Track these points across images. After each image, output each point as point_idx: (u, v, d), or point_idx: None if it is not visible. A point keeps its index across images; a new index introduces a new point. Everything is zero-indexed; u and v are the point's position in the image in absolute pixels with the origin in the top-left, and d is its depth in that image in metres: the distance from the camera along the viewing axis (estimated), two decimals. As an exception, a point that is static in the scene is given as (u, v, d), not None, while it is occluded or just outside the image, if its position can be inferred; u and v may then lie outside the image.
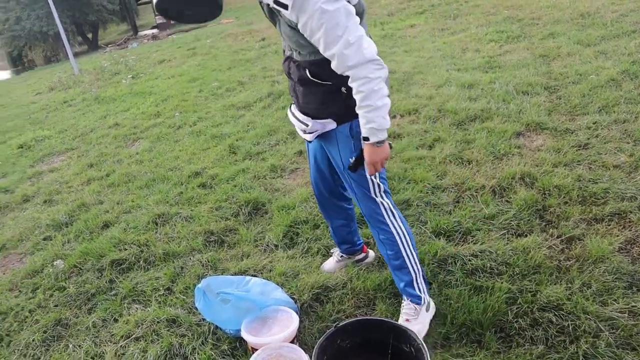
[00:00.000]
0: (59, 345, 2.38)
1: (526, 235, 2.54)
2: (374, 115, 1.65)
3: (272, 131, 4.81)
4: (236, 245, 2.93)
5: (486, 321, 1.99)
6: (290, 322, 1.95)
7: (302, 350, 1.80)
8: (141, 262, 2.88)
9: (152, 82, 8.84)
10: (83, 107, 8.06)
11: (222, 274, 2.63)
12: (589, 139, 3.45)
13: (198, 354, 2.05)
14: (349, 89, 1.70)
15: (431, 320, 2.08)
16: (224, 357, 2.01)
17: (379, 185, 1.95)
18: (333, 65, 1.64)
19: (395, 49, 7.51)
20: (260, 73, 7.70)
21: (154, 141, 5.34)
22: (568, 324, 1.93)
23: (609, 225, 2.53)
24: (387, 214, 1.99)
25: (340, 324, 1.76)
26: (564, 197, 2.81)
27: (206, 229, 3.10)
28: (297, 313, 2.10)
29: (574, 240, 2.45)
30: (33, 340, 2.42)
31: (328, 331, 1.74)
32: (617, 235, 2.43)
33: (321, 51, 1.63)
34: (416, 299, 2.05)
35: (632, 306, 1.99)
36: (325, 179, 2.20)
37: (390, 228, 1.99)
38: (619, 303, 2.00)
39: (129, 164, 4.74)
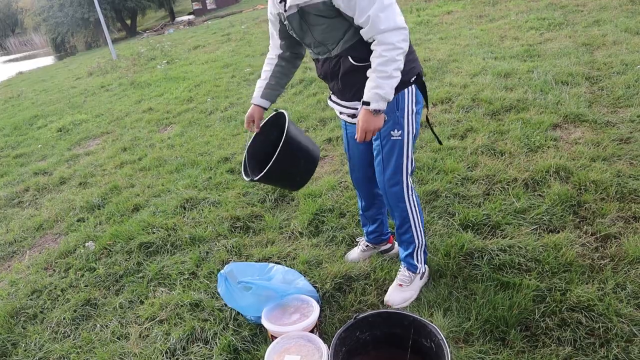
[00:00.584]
0: (88, 324, 2.45)
1: (558, 232, 2.45)
2: (385, 82, 1.69)
3: (302, 118, 4.79)
4: (261, 232, 2.94)
5: (511, 319, 1.92)
6: (311, 311, 1.94)
7: (321, 340, 1.79)
8: (168, 245, 2.93)
9: (186, 68, 8.96)
10: (119, 92, 8.25)
11: (246, 260, 2.64)
12: (631, 132, 3.28)
13: (219, 338, 2.07)
14: None
15: (424, 286, 2.23)
16: (244, 343, 2.02)
17: (411, 163, 2.01)
18: (364, 31, 1.70)
19: (431, 36, 7.35)
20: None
21: (186, 126, 5.42)
22: (599, 326, 1.85)
23: (649, 223, 2.41)
24: (408, 192, 2.05)
25: (360, 315, 1.73)
26: (601, 193, 2.68)
27: (232, 215, 3.12)
28: (318, 302, 2.09)
29: (609, 238, 2.35)
30: (64, 319, 2.50)
31: (348, 322, 1.72)
32: (658, 235, 2.31)
33: (355, 19, 1.69)
34: (413, 268, 2.19)
35: (670, 310, 1.89)
36: (364, 164, 2.21)
37: (406, 206, 2.07)
38: (655, 306, 1.90)
39: (161, 148, 4.82)
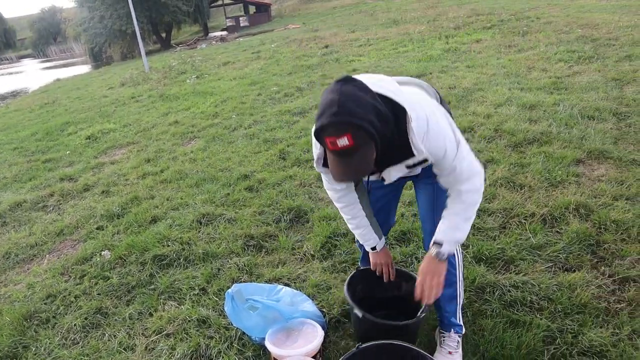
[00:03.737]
0: (97, 332, 2.48)
1: (574, 271, 2.39)
2: (467, 226, 1.62)
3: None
4: (274, 252, 2.95)
5: (519, 358, 1.88)
6: (315, 336, 1.93)
7: (322, 368, 1.77)
8: (181, 259, 2.96)
9: (215, 83, 9.13)
10: (148, 104, 8.46)
11: (256, 280, 2.65)
12: (658, 172, 3.21)
13: (223, 357, 2.07)
14: None
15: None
16: (246, 364, 2.02)
17: None
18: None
19: (458, 63, 7.36)
20: (319, 80, 7.76)
21: (209, 141, 5.50)
22: (610, 373, 1.79)
23: (671, 268, 2.33)
24: None
25: (363, 345, 1.71)
26: (622, 233, 2.62)
27: (247, 233, 3.14)
28: (324, 327, 2.08)
29: (628, 281, 2.28)
30: (74, 325, 2.54)
31: (350, 352, 1.70)
32: (679, 281, 2.23)
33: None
34: (459, 329, 1.97)
35: (687, 361, 1.82)
36: (389, 197, 2.06)
37: (455, 252, 1.89)
38: (672, 356, 1.83)
39: (183, 162, 4.91)
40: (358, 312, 1.84)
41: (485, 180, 1.63)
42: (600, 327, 2.01)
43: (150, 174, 4.74)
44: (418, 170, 1.72)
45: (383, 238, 1.97)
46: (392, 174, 1.61)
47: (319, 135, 1.38)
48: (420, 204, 1.94)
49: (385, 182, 1.64)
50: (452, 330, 1.95)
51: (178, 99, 8.35)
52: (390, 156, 1.53)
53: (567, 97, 4.89)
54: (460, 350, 1.95)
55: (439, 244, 1.62)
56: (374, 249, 1.96)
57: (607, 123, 4.12)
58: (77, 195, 4.57)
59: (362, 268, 2.13)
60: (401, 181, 1.92)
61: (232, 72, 10.42)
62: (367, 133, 1.32)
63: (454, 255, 1.86)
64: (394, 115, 1.42)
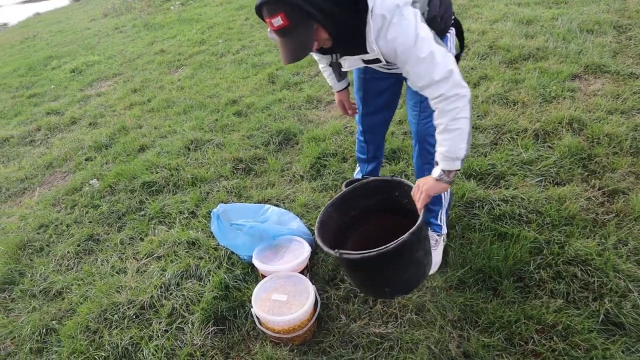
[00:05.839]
0: (90, 258, 2.50)
1: (564, 185, 2.37)
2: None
3: (313, 61, 4.66)
4: (263, 174, 2.92)
5: (505, 269, 1.89)
6: (302, 252, 1.93)
7: (309, 281, 1.79)
8: (170, 185, 2.94)
9: (201, 10, 8.72)
10: (132, 34, 8.12)
11: (245, 202, 2.64)
12: (655, 84, 3.12)
13: (212, 276, 2.09)
14: None
15: (446, 259, 2.06)
16: (236, 282, 2.04)
17: None
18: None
19: (454, -20, 6.98)
20: None
21: (197, 68, 5.33)
22: (594, 281, 1.81)
23: (661, 179, 2.31)
24: None
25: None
26: (614, 146, 2.57)
27: (235, 157, 3.10)
28: (312, 244, 2.09)
29: (617, 193, 2.26)
30: (68, 252, 2.56)
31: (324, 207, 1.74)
32: (668, 191, 2.22)
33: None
34: (438, 228, 2.06)
35: (671, 266, 1.84)
36: (382, 107, 2.02)
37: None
38: (655, 263, 1.85)
39: (170, 90, 4.77)
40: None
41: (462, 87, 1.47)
42: (587, 238, 2.01)
43: (137, 104, 4.62)
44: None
45: (345, 82, 2.03)
46: (349, 63, 1.60)
47: (259, 16, 1.37)
48: (406, 103, 1.90)
49: (342, 69, 1.67)
50: (430, 228, 2.05)
51: (163, 27, 8.00)
52: (349, 45, 1.49)
53: (566, 11, 4.67)
54: (439, 248, 2.04)
55: (436, 163, 1.55)
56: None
57: (606, 36, 3.96)
58: (65, 129, 4.49)
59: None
60: (400, 77, 1.86)
61: (219, -3, 9.93)
62: (302, 11, 1.29)
63: None
64: (355, 2, 1.36)
